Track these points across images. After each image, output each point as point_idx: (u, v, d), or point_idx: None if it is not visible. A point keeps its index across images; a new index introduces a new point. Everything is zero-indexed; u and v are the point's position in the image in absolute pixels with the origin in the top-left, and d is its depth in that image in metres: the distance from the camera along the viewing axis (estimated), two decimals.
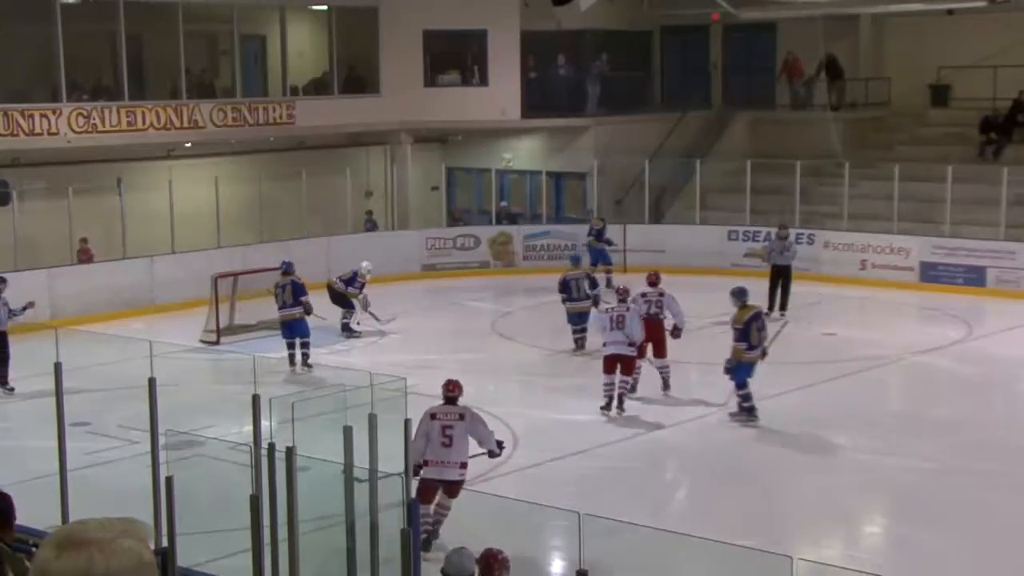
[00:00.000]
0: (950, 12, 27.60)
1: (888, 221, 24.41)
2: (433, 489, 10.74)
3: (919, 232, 24.00)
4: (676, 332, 16.61)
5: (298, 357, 17.79)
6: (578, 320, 18.68)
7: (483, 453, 11.29)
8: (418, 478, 10.38)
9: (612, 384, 15.15)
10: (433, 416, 10.94)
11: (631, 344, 15.08)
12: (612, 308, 15.50)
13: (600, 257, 23.68)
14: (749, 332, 14.81)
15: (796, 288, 21.77)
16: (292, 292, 17.92)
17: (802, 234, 24.63)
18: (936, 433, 14.38)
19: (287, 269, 18.27)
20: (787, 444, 14.08)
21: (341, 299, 20.08)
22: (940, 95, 28.81)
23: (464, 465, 10.91)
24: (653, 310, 16.38)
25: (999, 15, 26.19)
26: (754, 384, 14.99)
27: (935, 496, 12.52)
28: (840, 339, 19.65)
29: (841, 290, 23.47)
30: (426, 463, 10.76)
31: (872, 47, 30.14)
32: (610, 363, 15.17)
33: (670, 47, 31.55)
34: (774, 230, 22.39)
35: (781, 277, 21.39)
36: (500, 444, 11.38)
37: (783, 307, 21.17)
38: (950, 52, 28.02)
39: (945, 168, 23.90)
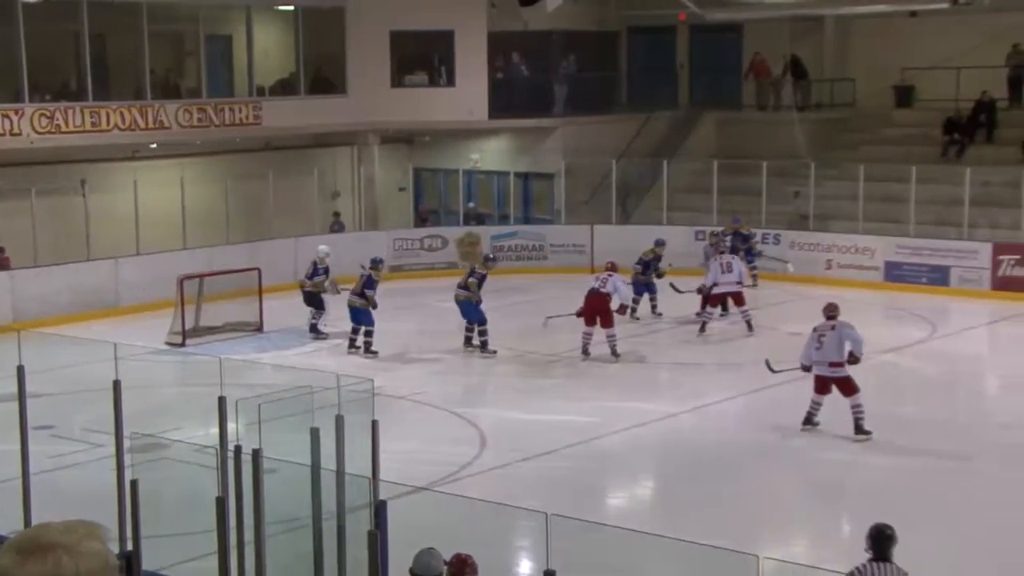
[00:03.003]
0: (913, 14, 27.80)
1: (853, 221, 24.56)
2: None
3: (884, 232, 24.15)
4: (622, 309, 18.37)
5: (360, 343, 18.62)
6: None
7: None
8: None
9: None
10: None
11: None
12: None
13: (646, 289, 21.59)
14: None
15: (763, 288, 21.80)
16: (362, 283, 18.64)
17: (768, 234, 24.77)
18: (902, 431, 14.46)
19: (373, 263, 19.05)
20: (754, 444, 14.13)
21: (313, 299, 19.99)
22: (904, 96, 29.01)
23: None
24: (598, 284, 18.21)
25: (961, 17, 26.40)
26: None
27: (902, 494, 12.59)
28: (806, 339, 19.67)
29: (807, 290, 23.55)
30: None
31: (837, 48, 30.32)
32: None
33: (637, 48, 31.61)
34: (717, 229, 22.62)
35: None
36: None
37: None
38: (914, 53, 28.22)
39: (909, 168, 24.06)
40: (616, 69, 31.25)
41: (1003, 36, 26.91)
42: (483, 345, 18.53)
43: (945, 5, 24.84)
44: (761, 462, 13.50)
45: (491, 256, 19.74)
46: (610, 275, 18.57)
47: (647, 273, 20.82)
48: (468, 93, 27.18)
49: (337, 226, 26.61)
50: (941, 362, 17.22)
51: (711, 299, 19.95)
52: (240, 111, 25.22)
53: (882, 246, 23.85)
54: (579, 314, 18.22)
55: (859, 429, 13.99)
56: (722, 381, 17.32)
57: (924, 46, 28.05)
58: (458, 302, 18.73)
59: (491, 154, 28.66)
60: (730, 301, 20.34)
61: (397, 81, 27.43)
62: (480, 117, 27.37)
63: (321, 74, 27.36)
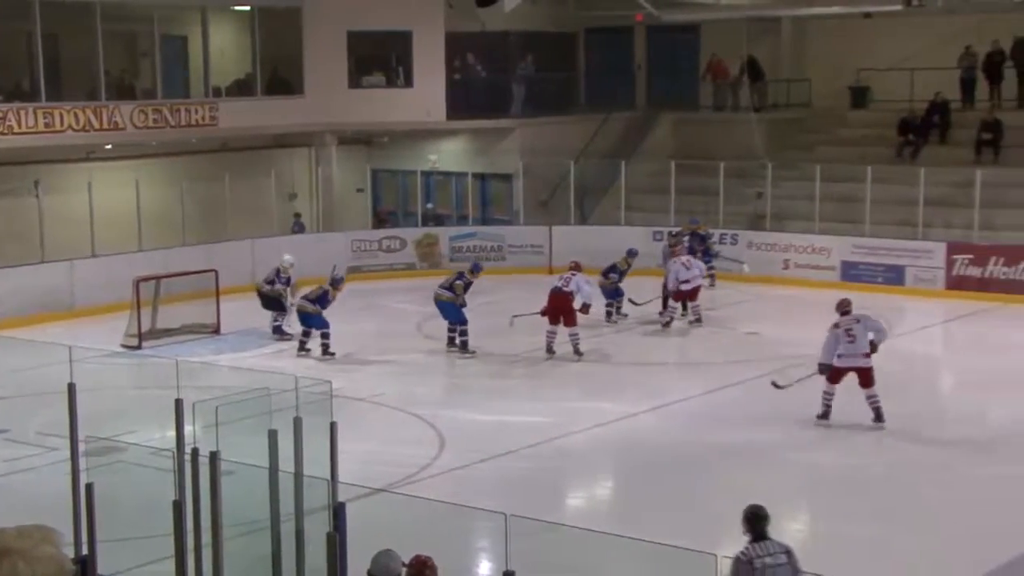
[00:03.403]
0: (868, 15, 28.04)
1: (810, 221, 24.72)
2: None
3: (840, 232, 24.32)
4: (585, 308, 18.42)
5: (458, 342, 18.63)
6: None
7: None
8: None
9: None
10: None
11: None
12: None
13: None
14: None
15: (721, 288, 21.90)
16: (317, 294, 18.63)
17: (725, 234, 24.89)
18: (860, 430, 14.56)
19: (333, 281, 18.94)
20: (714, 443, 14.18)
21: (272, 302, 19.88)
22: (859, 97, 29.25)
23: None
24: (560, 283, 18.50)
25: (915, 18, 26.65)
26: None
27: (857, 491, 12.68)
28: (764, 338, 19.84)
29: (764, 289, 23.71)
30: None
31: (793, 49, 30.52)
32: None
33: (594, 48, 31.69)
34: (674, 230, 22.72)
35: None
36: None
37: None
38: (869, 54, 28.48)
39: (865, 169, 24.25)
40: (574, 70, 31.31)
41: (956, 38, 27.18)
42: (463, 345, 18.55)
43: (899, 7, 25.05)
44: (721, 461, 13.55)
45: (479, 265, 19.69)
46: (573, 274, 18.67)
47: (618, 279, 20.84)
48: (426, 94, 27.13)
49: (297, 227, 26.50)
50: (897, 361, 17.29)
51: (676, 296, 20.20)
52: (196, 112, 25.05)
53: (838, 246, 24.02)
54: (543, 313, 18.30)
55: (879, 416, 14.44)
56: (682, 380, 17.40)
57: (879, 47, 28.32)
58: (439, 302, 18.69)
59: (449, 155, 28.64)
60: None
61: (354, 82, 27.34)
62: (438, 118, 27.33)
63: (278, 75, 27.23)
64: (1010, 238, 22.92)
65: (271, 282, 19.89)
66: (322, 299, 18.58)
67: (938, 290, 22.67)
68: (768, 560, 7.67)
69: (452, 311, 18.56)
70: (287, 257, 20.06)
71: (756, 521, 7.94)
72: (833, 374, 14.61)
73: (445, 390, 17.38)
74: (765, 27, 29.77)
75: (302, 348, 18.68)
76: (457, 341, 18.61)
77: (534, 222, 26.61)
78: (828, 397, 14.65)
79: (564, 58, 30.97)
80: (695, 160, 26.84)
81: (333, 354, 18.40)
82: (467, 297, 18.55)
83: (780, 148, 28.11)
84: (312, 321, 18.60)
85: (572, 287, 18.34)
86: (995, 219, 23.31)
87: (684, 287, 20.17)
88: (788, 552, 7.84)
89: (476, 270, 19.09)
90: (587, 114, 29.41)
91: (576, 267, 19.04)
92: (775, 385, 15.32)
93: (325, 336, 18.50)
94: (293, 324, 19.70)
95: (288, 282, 19.87)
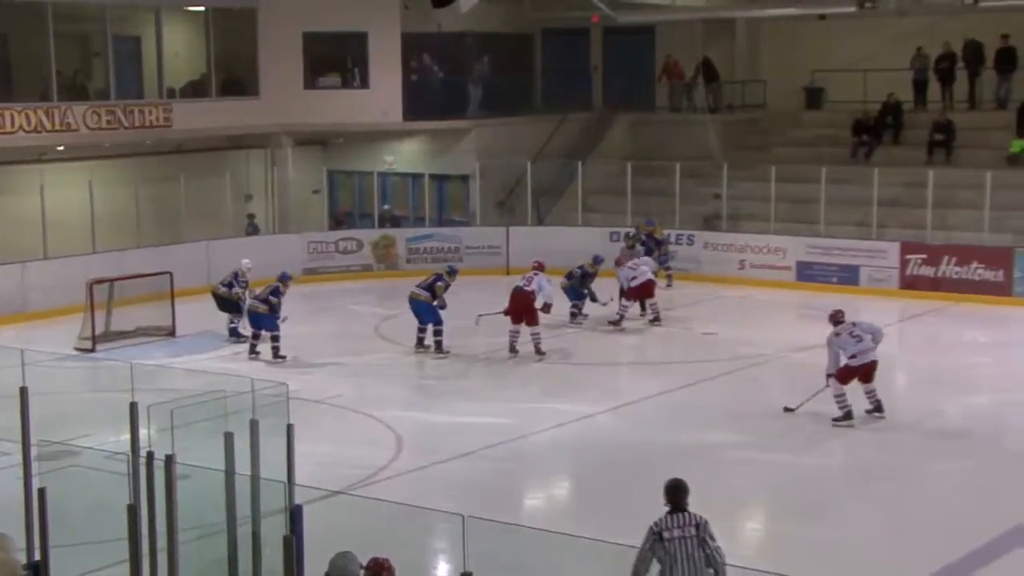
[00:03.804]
0: (822, 17, 28.25)
1: (765, 221, 24.86)
2: None
3: (795, 232, 24.48)
4: (546, 308, 18.67)
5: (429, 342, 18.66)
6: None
7: None
8: None
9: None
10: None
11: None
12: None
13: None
14: None
15: (678, 288, 21.98)
16: (267, 291, 18.47)
17: (682, 235, 24.99)
18: (814, 429, 14.65)
19: (281, 278, 18.76)
20: (670, 442, 14.22)
21: (228, 304, 19.76)
22: (814, 98, 29.48)
23: None
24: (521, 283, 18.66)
25: (868, 20, 26.88)
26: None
27: (814, 491, 12.76)
28: (720, 338, 19.94)
29: (721, 290, 23.83)
30: None
31: (748, 51, 30.71)
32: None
33: (551, 49, 31.74)
34: (630, 231, 22.78)
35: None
36: None
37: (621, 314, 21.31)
38: (822, 56, 28.70)
39: (819, 169, 24.42)
40: (530, 71, 31.35)
41: (908, 39, 27.45)
42: (437, 345, 18.53)
43: (852, 9, 25.26)
44: (678, 461, 13.55)
45: (454, 267, 19.59)
46: (536, 274, 18.73)
47: (583, 282, 20.80)
48: (382, 95, 27.08)
49: (251, 228, 26.36)
50: None
51: (629, 293, 20.36)
52: (150, 113, 24.88)
53: (793, 246, 24.16)
54: (507, 312, 18.34)
55: (879, 408, 14.83)
56: (640, 381, 17.44)
57: (832, 49, 28.54)
58: (416, 302, 18.60)
59: (406, 156, 28.58)
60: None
61: (310, 83, 27.24)
62: (394, 119, 27.28)
63: (233, 75, 27.08)
64: (962, 238, 23.15)
65: (229, 285, 19.77)
66: (275, 293, 18.46)
67: (892, 289, 22.87)
68: (677, 532, 7.88)
69: (428, 312, 18.52)
70: (245, 261, 19.94)
71: (674, 493, 8.15)
72: (845, 375, 14.74)
73: (403, 391, 17.33)
74: (720, 29, 29.94)
75: (252, 351, 18.59)
76: (431, 341, 18.58)
77: (491, 223, 26.61)
78: (843, 398, 14.71)
79: (521, 59, 31.00)
80: (651, 161, 26.94)
81: (284, 357, 18.32)
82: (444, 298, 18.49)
83: (735, 149, 28.27)
84: (263, 322, 18.49)
85: (533, 286, 18.42)
86: (947, 219, 23.53)
87: (633, 283, 20.35)
88: (698, 525, 7.97)
89: (452, 273, 19.07)
90: (544, 115, 29.44)
91: (539, 267, 19.07)
92: (787, 409, 15.24)
93: (275, 339, 18.40)
94: (249, 326, 19.60)
95: (246, 285, 19.77)
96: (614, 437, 14.68)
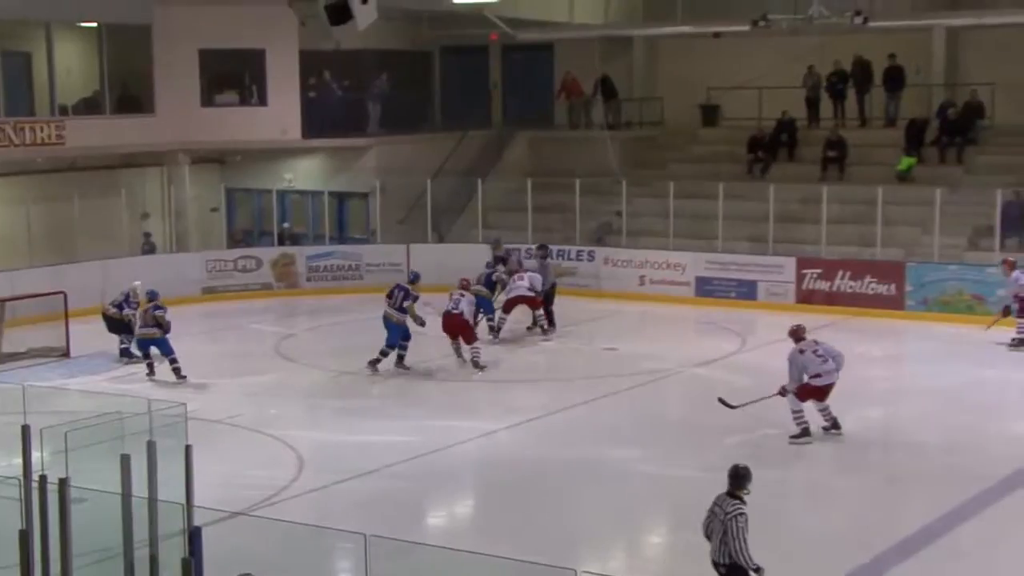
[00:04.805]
0: (717, 35, 28.66)
1: (664, 237, 25.12)
2: None
3: (693, 248, 24.76)
4: (475, 324, 19.16)
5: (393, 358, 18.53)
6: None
7: None
8: None
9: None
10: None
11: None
12: None
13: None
14: None
15: (579, 304, 22.14)
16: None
17: (582, 251, 25.15)
18: (715, 442, 14.80)
19: (412, 278, 19.25)
20: (572, 458, 14.28)
21: (118, 325, 19.46)
22: (710, 115, 29.90)
23: None
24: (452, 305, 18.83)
25: (761, 39, 27.32)
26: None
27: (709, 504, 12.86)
28: (621, 354, 20.09)
29: (621, 305, 24.01)
30: None
31: (645, 68, 31.06)
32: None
33: (450, 67, 31.81)
34: (536, 251, 22.84)
35: (550, 296, 21.67)
36: None
37: (551, 324, 21.43)
38: (718, 74, 29.13)
39: (716, 185, 24.75)
40: (429, 88, 31.37)
41: (800, 58, 27.99)
42: (400, 360, 18.55)
43: (746, 27, 25.66)
44: (579, 476, 13.65)
45: (416, 274, 19.63)
46: (462, 295, 19.04)
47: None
48: (280, 112, 26.89)
49: (148, 247, 25.99)
50: (751, 374, 17.68)
51: (504, 306, 20.76)
52: (41, 130, 24.39)
53: (692, 262, 24.44)
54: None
55: (835, 426, 14.85)
56: (541, 397, 17.47)
57: (727, 67, 28.98)
58: (389, 322, 18.46)
59: (305, 173, 28.40)
60: (526, 308, 21.08)
61: (207, 100, 26.96)
62: (293, 136, 27.10)
63: (128, 92, 26.67)
64: (855, 253, 23.62)
65: (119, 306, 19.43)
66: (159, 308, 18.20)
67: (789, 304, 23.21)
68: (716, 509, 9.24)
69: (397, 332, 18.45)
70: (137, 283, 19.63)
71: (732, 477, 9.33)
72: (805, 392, 14.63)
73: (303, 410, 17.17)
74: (618, 46, 30.25)
75: (151, 371, 18.29)
76: (396, 355, 18.49)
77: (392, 240, 26.54)
78: (800, 415, 14.64)
79: (420, 77, 31.02)
80: (551, 178, 27.10)
81: (185, 377, 18.06)
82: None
83: (634, 165, 28.55)
84: (158, 345, 18.19)
85: (461, 308, 18.79)
86: (841, 234, 23.99)
87: (511, 294, 20.84)
88: (719, 505, 9.22)
89: (415, 279, 19.24)
90: (443, 132, 29.48)
91: (465, 285, 19.46)
92: (724, 403, 15.15)
93: (173, 361, 18.11)
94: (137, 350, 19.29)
95: (137, 307, 19.45)
96: (516, 453, 14.70)
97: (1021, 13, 25.56)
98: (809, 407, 14.74)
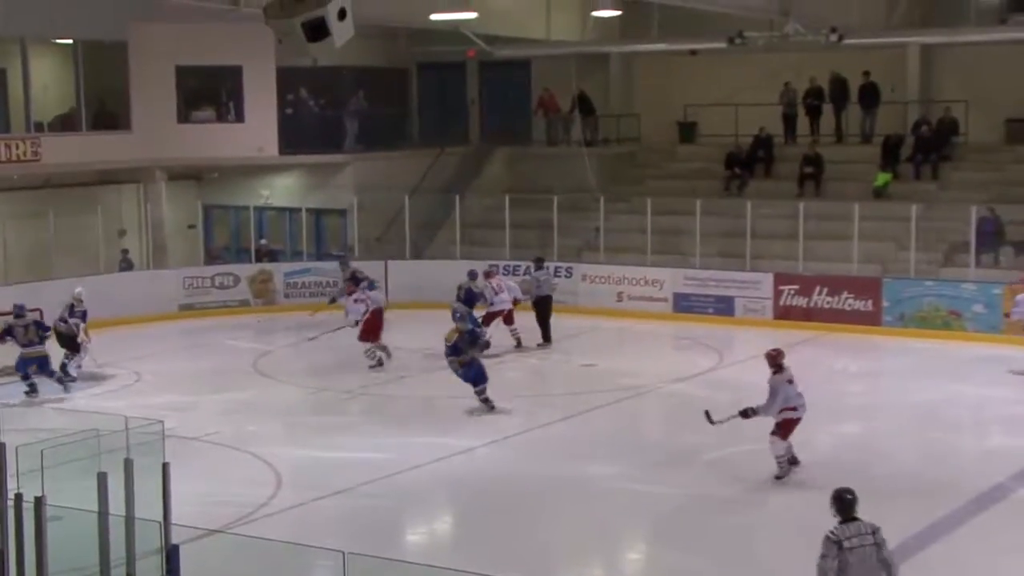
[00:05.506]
0: (693, 52, 28.80)
1: (642, 254, 25.17)
2: None
3: (671, 264, 24.82)
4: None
5: None
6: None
7: None
8: None
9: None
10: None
11: None
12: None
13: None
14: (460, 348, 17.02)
15: (557, 321, 22.17)
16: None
17: (560, 267, 25.17)
18: (692, 459, 14.82)
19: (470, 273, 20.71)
20: (550, 474, 14.27)
21: (68, 341, 19.12)
22: (687, 132, 30.01)
23: None
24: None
25: (738, 56, 27.45)
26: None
27: (693, 520, 12.88)
28: (599, 370, 20.10)
29: (599, 322, 24.03)
30: None
31: (622, 85, 31.16)
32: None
33: (427, 84, 31.84)
34: (531, 264, 22.91)
35: (543, 308, 21.82)
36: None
37: (547, 338, 21.62)
38: (695, 90, 29.26)
39: (694, 201, 24.83)
40: (407, 105, 31.40)
41: (776, 75, 28.15)
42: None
43: (722, 44, 25.77)
44: (558, 493, 13.65)
45: (474, 272, 20.94)
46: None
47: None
48: (257, 129, 26.86)
49: (125, 264, 25.89)
50: (729, 390, 17.70)
51: (485, 319, 20.63)
52: (17, 147, 24.30)
53: (670, 278, 24.49)
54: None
55: (794, 461, 14.06)
56: (520, 414, 17.43)
57: (704, 84, 29.13)
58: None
59: (282, 190, 28.37)
60: (501, 321, 21.15)
61: (184, 116, 26.93)
62: (271, 153, 27.08)
63: (104, 109, 26.61)
64: (832, 268, 23.71)
65: (64, 319, 19.12)
66: (69, 314, 18.40)
67: (767, 320, 23.30)
68: (856, 541, 8.28)
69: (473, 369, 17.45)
70: (78, 290, 19.31)
71: (842, 503, 8.48)
72: (786, 429, 13.88)
73: (282, 428, 17.11)
74: (595, 63, 30.34)
75: (33, 390, 18.07)
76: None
77: (369, 257, 26.51)
78: (782, 458, 13.94)
79: (397, 93, 31.04)
80: (529, 194, 27.14)
81: (75, 379, 18.21)
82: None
83: (612, 182, 28.62)
84: (41, 365, 18.22)
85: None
86: (818, 250, 24.09)
87: (491, 309, 20.99)
88: (875, 532, 8.36)
89: (473, 277, 20.64)
90: (421, 149, 29.50)
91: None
92: (708, 418, 14.33)
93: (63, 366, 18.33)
94: (86, 364, 19.10)
95: (84, 316, 19.19)
96: (495, 470, 14.68)
97: (994, 31, 25.82)
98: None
